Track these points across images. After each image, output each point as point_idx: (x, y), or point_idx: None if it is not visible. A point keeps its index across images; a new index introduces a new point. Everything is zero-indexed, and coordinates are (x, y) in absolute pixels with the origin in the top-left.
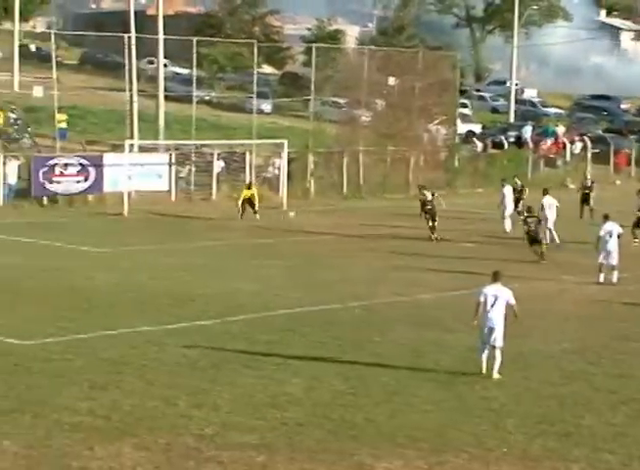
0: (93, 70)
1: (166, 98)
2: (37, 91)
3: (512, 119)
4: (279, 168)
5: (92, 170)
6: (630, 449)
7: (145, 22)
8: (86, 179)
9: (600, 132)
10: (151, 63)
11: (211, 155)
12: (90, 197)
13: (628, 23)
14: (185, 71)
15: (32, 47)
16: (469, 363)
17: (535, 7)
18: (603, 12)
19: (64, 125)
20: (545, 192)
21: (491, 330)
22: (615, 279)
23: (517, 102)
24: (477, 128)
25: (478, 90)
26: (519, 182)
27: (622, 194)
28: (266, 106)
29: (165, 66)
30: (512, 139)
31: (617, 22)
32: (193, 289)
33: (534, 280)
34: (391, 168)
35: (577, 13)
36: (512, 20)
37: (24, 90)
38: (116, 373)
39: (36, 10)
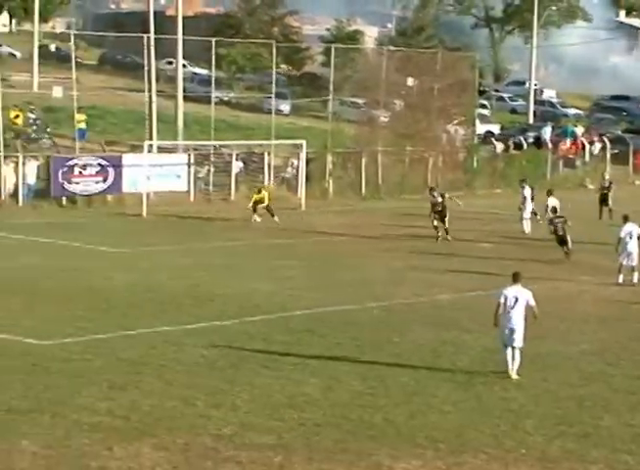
0: (112, 70)
1: (185, 98)
2: (57, 91)
3: (531, 120)
4: (297, 169)
5: (111, 171)
6: None
7: (164, 22)
8: (105, 180)
9: (619, 133)
10: (170, 63)
11: (230, 155)
12: (109, 197)
13: None
14: (204, 72)
15: (52, 47)
16: (487, 364)
17: (554, 7)
18: (622, 12)
19: (83, 126)
20: (549, 193)
21: (512, 331)
22: (635, 280)
23: (536, 102)
24: (495, 129)
25: (497, 91)
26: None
27: None
28: (285, 106)
29: (184, 66)
30: (531, 140)
31: (636, 22)
32: (212, 289)
33: (553, 281)
34: (410, 169)
35: (596, 13)
36: (531, 20)
37: (44, 90)
38: (135, 373)
39: (56, 10)
